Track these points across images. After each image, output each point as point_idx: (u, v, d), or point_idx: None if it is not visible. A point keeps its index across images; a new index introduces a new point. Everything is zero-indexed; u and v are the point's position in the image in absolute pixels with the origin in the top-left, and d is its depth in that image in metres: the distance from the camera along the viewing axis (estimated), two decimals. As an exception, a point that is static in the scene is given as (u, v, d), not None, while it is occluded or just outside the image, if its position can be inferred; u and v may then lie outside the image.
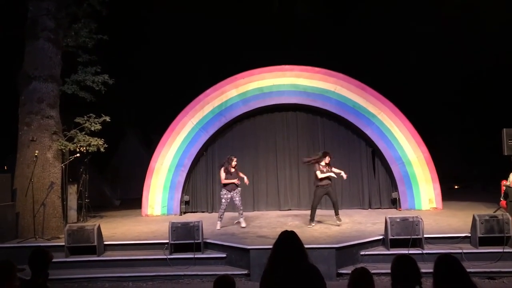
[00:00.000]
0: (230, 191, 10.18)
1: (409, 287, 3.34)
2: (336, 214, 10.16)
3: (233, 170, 10.25)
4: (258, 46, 15.32)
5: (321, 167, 9.98)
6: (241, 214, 10.41)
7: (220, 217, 10.30)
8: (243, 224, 10.29)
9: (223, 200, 10.23)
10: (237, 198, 10.21)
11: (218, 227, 10.19)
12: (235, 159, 10.31)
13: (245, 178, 10.33)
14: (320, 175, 9.89)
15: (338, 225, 9.99)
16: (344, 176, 10.09)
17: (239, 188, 10.26)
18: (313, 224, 10.11)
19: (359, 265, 4.06)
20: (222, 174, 10.24)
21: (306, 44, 15.12)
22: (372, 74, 14.03)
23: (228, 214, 11.00)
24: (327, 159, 10.04)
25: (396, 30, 15.00)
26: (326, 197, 10.35)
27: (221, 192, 10.35)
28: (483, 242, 8.15)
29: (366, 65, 14.81)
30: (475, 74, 15.70)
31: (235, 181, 10.22)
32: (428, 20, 14.37)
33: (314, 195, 10.21)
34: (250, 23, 15.40)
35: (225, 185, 10.21)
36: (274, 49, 14.87)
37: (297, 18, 15.61)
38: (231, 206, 10.82)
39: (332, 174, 9.96)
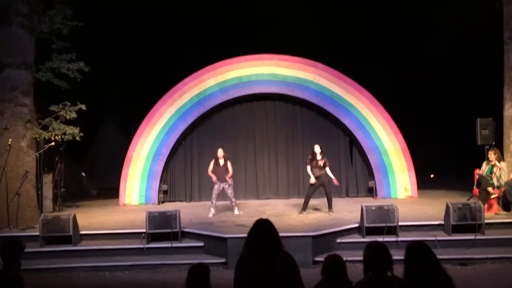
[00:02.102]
0: (221, 182, 10.37)
1: (380, 273, 3.39)
2: (329, 207, 10.29)
3: (222, 161, 10.40)
4: (237, 35, 15.20)
5: (314, 162, 10.09)
6: (234, 204, 10.62)
7: (213, 206, 10.49)
8: (236, 212, 10.50)
9: (214, 190, 10.44)
10: (229, 191, 10.43)
11: (210, 214, 10.38)
12: (219, 150, 10.54)
13: (228, 177, 10.37)
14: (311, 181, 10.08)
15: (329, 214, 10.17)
16: (335, 182, 10.21)
17: (229, 180, 10.40)
18: (304, 213, 10.20)
19: (334, 253, 4.09)
20: (211, 166, 10.49)
21: (286, 34, 15.07)
22: (350, 63, 14.07)
23: (219, 203, 11.03)
24: (316, 150, 10.13)
25: (374, 18, 15.04)
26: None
27: (214, 183, 10.54)
28: (456, 229, 8.34)
29: (344, 54, 14.84)
30: (453, 65, 15.91)
31: (214, 179, 10.39)
32: (406, 6, 14.45)
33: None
34: (230, 12, 15.27)
35: (215, 175, 10.41)
36: (253, 40, 14.77)
37: (278, 7, 15.54)
38: (224, 195, 10.79)
39: (311, 181, 10.08)
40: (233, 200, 10.63)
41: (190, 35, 15.83)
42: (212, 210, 10.44)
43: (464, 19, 12.96)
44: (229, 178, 10.40)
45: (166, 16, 15.41)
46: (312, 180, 10.05)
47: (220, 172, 10.41)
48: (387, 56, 15.66)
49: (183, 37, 15.83)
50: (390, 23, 14.91)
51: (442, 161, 17.74)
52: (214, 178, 10.42)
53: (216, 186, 10.44)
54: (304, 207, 10.27)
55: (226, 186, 10.42)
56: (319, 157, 10.11)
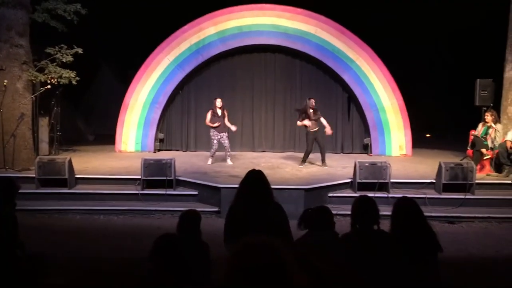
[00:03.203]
0: (219, 133, 10.41)
1: (367, 226, 3.47)
2: (323, 160, 10.40)
3: (219, 112, 10.38)
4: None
5: (309, 114, 10.09)
6: (228, 155, 10.71)
7: (212, 155, 10.67)
8: (230, 163, 10.62)
9: (214, 141, 10.51)
10: (226, 141, 10.49)
11: (209, 162, 10.60)
12: (218, 100, 10.51)
13: (232, 127, 10.47)
14: (305, 122, 10.06)
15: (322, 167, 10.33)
16: (328, 131, 10.24)
17: (226, 132, 10.48)
18: (302, 166, 10.37)
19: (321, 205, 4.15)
20: (208, 116, 10.46)
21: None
22: (352, 17, 13.76)
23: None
24: (311, 104, 10.12)
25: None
26: (304, 141, 10.63)
27: (210, 134, 10.61)
28: (447, 188, 8.48)
29: (347, 8, 14.48)
30: (456, 24, 15.61)
31: (216, 124, 10.39)
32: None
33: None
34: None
35: (213, 126, 10.42)
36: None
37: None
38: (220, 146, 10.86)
39: (306, 122, 10.04)
40: (229, 150, 10.71)
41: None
42: (211, 160, 10.65)
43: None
44: (235, 128, 10.53)
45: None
46: (307, 122, 10.03)
47: (218, 122, 10.40)
48: (389, 10, 15.29)
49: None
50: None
51: (439, 120, 17.74)
52: (216, 124, 10.38)
53: (214, 139, 10.46)
54: (303, 159, 10.44)
55: (224, 137, 10.46)
56: (312, 110, 10.11)
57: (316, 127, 10.18)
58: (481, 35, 15.02)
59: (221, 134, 10.45)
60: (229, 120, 10.60)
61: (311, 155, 10.58)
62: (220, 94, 11.76)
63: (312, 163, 10.76)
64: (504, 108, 10.62)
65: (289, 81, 13.45)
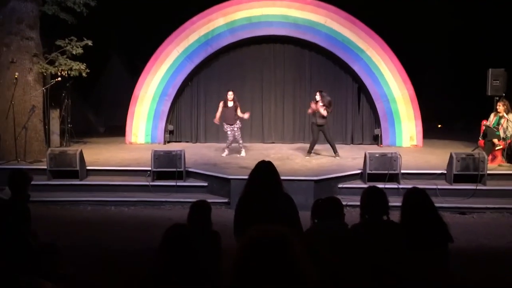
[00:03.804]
0: (231, 125, 10.46)
1: (376, 217, 3.46)
2: (334, 151, 10.46)
3: (231, 104, 10.42)
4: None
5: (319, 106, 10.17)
6: (241, 146, 10.79)
7: (228, 147, 10.74)
8: (243, 154, 10.69)
9: (228, 132, 10.57)
10: (237, 133, 10.54)
11: (223, 154, 10.68)
12: (229, 93, 10.53)
13: (245, 115, 10.50)
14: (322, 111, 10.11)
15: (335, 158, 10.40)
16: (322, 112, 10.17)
17: (238, 123, 10.52)
18: (308, 157, 10.45)
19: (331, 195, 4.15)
20: (220, 107, 10.55)
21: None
22: (362, 7, 13.62)
23: (220, 145, 11.18)
24: (317, 98, 10.20)
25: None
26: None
27: (224, 127, 10.67)
28: (458, 179, 8.42)
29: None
30: (467, 13, 15.42)
31: (217, 117, 10.55)
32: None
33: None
34: None
35: (225, 119, 10.52)
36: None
37: None
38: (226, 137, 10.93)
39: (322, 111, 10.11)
40: (241, 142, 10.75)
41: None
42: (226, 151, 10.71)
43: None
44: (247, 116, 10.56)
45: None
46: (322, 111, 10.07)
47: (229, 113, 10.44)
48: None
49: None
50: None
51: (450, 110, 17.56)
52: (217, 120, 10.59)
53: (229, 131, 10.51)
54: (310, 150, 10.48)
55: (235, 128, 10.49)
56: (320, 103, 10.13)
57: (323, 120, 10.21)
58: (493, 24, 14.81)
59: (232, 126, 10.48)
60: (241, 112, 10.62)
61: (318, 146, 10.57)
62: (229, 85, 11.76)
63: (322, 154, 10.74)
64: (517, 98, 10.48)
65: (299, 72, 13.39)
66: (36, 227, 4.50)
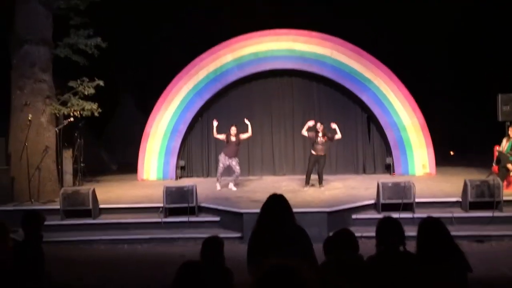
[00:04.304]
0: (229, 158, 10.47)
1: (393, 248, 3.40)
2: (320, 182, 10.59)
3: (233, 139, 10.49)
4: (253, 11, 14.97)
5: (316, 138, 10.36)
6: (237, 179, 10.77)
7: (218, 179, 10.77)
8: (233, 188, 10.66)
9: (220, 164, 10.59)
10: (237, 167, 10.56)
11: (218, 188, 10.66)
12: (232, 128, 10.60)
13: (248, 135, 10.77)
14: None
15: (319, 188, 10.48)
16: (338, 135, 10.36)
17: (236, 158, 10.59)
18: (304, 187, 10.51)
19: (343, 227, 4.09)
20: (219, 136, 10.66)
21: (303, 8, 14.83)
22: (368, 38, 13.80)
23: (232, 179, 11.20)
24: (319, 129, 10.32)
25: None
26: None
27: (219, 156, 10.69)
28: (474, 206, 8.27)
29: (361, 29, 14.54)
30: (475, 38, 15.54)
31: (215, 125, 10.71)
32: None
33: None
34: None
35: (225, 151, 10.54)
36: (270, 14, 14.53)
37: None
38: (228, 171, 10.91)
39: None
40: (238, 176, 10.80)
41: (206, 10, 15.68)
42: (218, 185, 10.72)
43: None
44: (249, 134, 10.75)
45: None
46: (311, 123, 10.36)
47: (230, 147, 10.51)
48: (406, 28, 15.30)
49: (199, 13, 15.70)
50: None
51: (462, 137, 17.44)
52: (215, 125, 10.70)
53: (221, 162, 10.57)
54: (307, 180, 10.55)
55: (234, 163, 10.52)
56: (320, 134, 10.29)
57: (323, 152, 10.34)
58: (502, 49, 14.87)
59: (231, 159, 10.52)
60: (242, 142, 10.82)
61: (330, 177, 10.56)
62: (238, 119, 11.84)
63: (334, 185, 10.67)
64: (528, 122, 10.40)
65: (307, 104, 13.48)
66: (50, 267, 4.48)
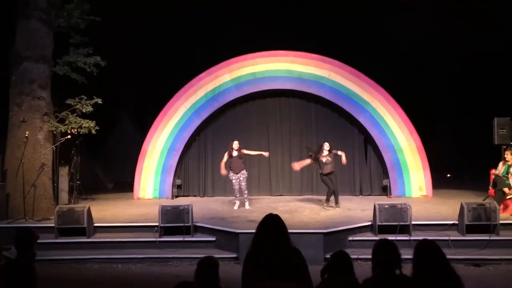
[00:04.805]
0: (236, 173, 10.53)
1: (389, 271, 3.38)
2: (336, 202, 10.60)
3: (236, 153, 10.55)
4: (252, 32, 15.13)
5: (322, 157, 10.50)
6: (246, 198, 10.78)
7: (236, 197, 10.76)
8: (247, 206, 10.69)
9: (233, 181, 10.62)
10: (243, 183, 10.58)
11: (235, 207, 10.69)
12: (234, 142, 10.70)
13: (264, 153, 11.17)
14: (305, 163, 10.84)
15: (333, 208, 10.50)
16: (343, 160, 10.51)
17: (244, 172, 10.64)
18: (325, 205, 10.65)
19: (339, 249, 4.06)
20: (225, 157, 10.67)
21: (300, 30, 15.00)
22: (365, 60, 13.92)
23: (228, 198, 11.18)
24: (325, 147, 10.49)
25: (388, 17, 14.82)
26: (321, 184, 11.03)
27: (229, 176, 10.71)
28: (470, 229, 8.23)
29: (359, 52, 14.69)
30: (471, 62, 15.71)
31: (222, 172, 10.74)
32: (421, 7, 14.21)
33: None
34: (245, 7, 15.23)
35: (231, 167, 10.61)
36: (269, 36, 14.68)
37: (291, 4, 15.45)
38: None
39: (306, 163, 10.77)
40: (246, 193, 10.77)
41: (204, 30, 15.84)
42: (237, 203, 10.74)
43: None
44: (267, 154, 11.20)
45: (183, 10, 15.39)
46: (307, 162, 10.79)
47: (235, 162, 10.55)
48: (403, 54, 15.47)
49: (198, 32, 15.85)
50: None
51: (458, 160, 17.49)
52: (222, 171, 10.71)
53: (233, 180, 10.58)
54: (328, 198, 10.62)
55: (241, 178, 10.53)
56: (326, 153, 10.42)
57: (331, 170, 10.41)
58: (496, 71, 15.03)
59: (239, 173, 10.54)
60: (246, 158, 10.92)
61: (320, 197, 10.58)
62: (235, 139, 11.85)
63: (331, 206, 10.65)
64: (524, 146, 10.45)
65: (305, 125, 13.53)
66: (42, 286, 4.42)
